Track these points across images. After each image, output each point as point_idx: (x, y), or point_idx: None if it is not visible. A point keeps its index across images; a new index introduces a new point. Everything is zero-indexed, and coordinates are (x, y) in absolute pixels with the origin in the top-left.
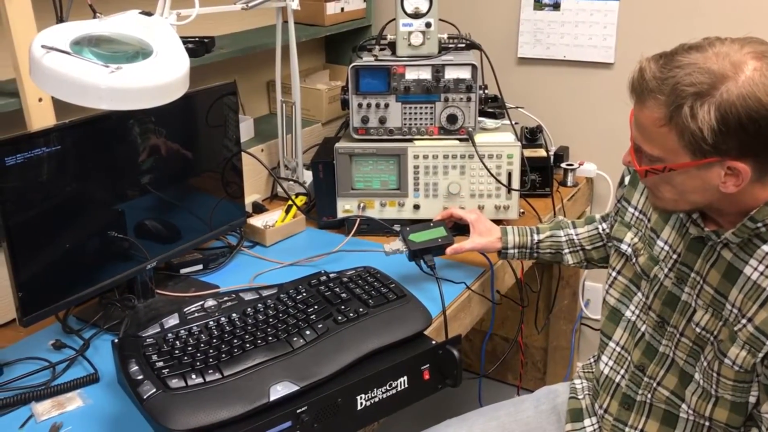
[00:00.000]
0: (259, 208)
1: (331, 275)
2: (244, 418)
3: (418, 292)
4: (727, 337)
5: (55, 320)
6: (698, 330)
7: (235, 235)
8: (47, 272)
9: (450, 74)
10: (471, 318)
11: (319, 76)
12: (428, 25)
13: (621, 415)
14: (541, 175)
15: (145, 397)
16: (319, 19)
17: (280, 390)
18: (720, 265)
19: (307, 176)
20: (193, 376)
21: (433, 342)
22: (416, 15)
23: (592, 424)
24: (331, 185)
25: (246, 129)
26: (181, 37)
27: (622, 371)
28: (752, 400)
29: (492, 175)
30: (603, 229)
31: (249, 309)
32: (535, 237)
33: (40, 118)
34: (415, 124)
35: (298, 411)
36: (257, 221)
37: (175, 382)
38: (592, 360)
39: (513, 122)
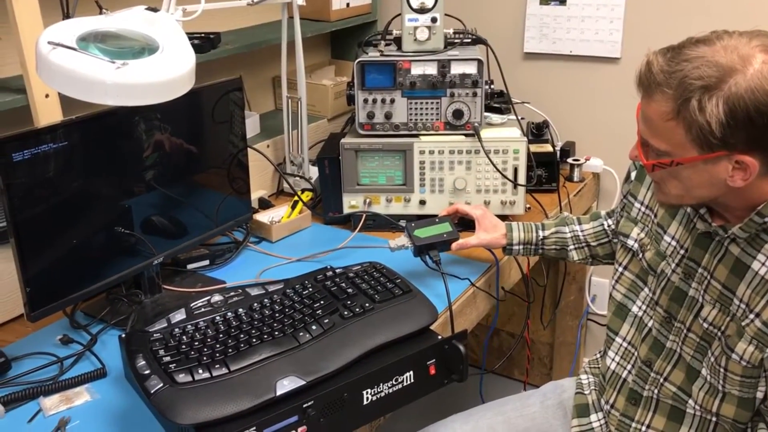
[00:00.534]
0: (265, 204)
1: (337, 270)
2: (251, 412)
3: (423, 288)
4: (735, 333)
5: (62, 315)
6: (705, 325)
7: (241, 230)
8: (55, 268)
9: (456, 69)
10: (477, 313)
11: (325, 71)
12: (434, 20)
13: (628, 410)
14: (548, 170)
15: (152, 391)
16: (325, 15)
17: (286, 384)
18: (727, 260)
19: (313, 172)
20: (200, 371)
21: (439, 337)
22: (422, 10)
23: (599, 420)
24: (337, 181)
25: (252, 125)
26: (186, 33)
27: (629, 366)
28: (759, 395)
29: (498, 170)
30: (608, 226)
31: (255, 304)
32: (540, 233)
33: (47, 114)
34: (421, 119)
35: (305, 405)
36: (263, 217)
37: (182, 377)
38: (598, 355)
39: (519, 117)
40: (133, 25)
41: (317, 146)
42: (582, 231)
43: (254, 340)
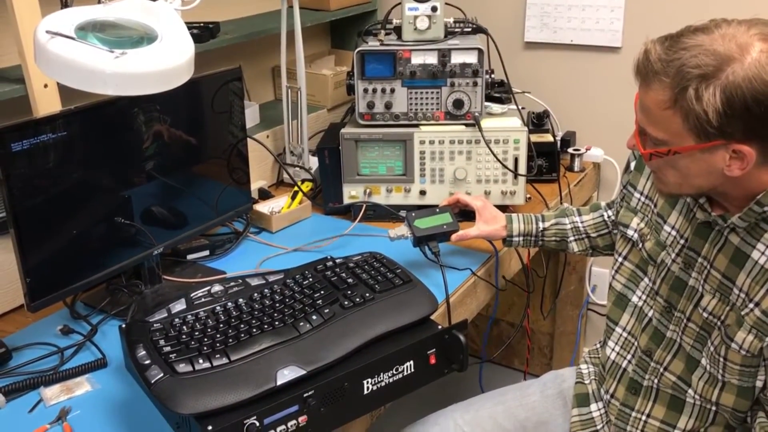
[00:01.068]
0: (265, 195)
1: (337, 261)
2: (251, 402)
3: (423, 278)
4: (734, 322)
5: (62, 306)
6: (705, 315)
7: (241, 221)
8: (55, 258)
9: (456, 59)
10: (477, 303)
11: (325, 61)
12: (434, 9)
13: (628, 400)
14: (548, 160)
15: (152, 381)
16: (324, 4)
17: (287, 374)
18: (727, 249)
19: (313, 162)
20: (201, 361)
21: (440, 327)
22: None
23: (599, 409)
24: (337, 171)
25: (251, 115)
26: (185, 23)
27: (629, 356)
28: (759, 384)
29: (498, 160)
30: (608, 217)
31: (256, 294)
32: (540, 225)
33: (46, 104)
34: (421, 109)
35: (305, 395)
36: (263, 207)
37: (182, 367)
38: (598, 345)
39: (519, 107)
40: (132, 14)
41: (317, 136)
42: (582, 222)
43: (254, 330)
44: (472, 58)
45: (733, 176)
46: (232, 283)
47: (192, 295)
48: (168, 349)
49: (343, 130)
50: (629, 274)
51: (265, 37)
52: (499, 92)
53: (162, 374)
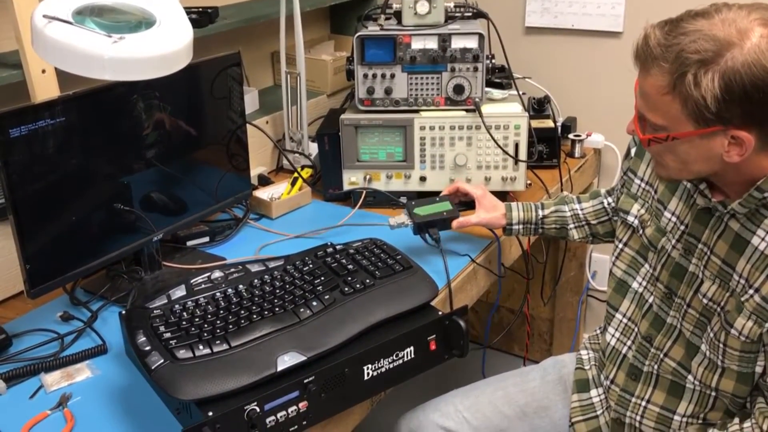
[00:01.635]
0: (264, 181)
1: (337, 247)
2: (252, 388)
3: (423, 264)
4: (734, 308)
5: (62, 292)
6: (705, 301)
7: (241, 207)
8: (54, 244)
9: (456, 44)
10: (477, 289)
11: (324, 46)
12: None
13: (628, 385)
14: (549, 146)
15: (153, 367)
16: None
17: (287, 360)
18: (727, 235)
19: (313, 148)
20: (201, 347)
21: (440, 313)
22: None
23: (599, 395)
24: (336, 157)
25: (250, 101)
26: (184, 7)
27: (629, 342)
28: (758, 370)
29: (499, 146)
30: (608, 204)
31: (256, 280)
32: (540, 212)
33: (44, 89)
34: (422, 94)
35: (306, 381)
36: (263, 194)
37: (182, 353)
38: (598, 331)
39: (520, 93)
40: None
41: (317, 122)
42: (582, 210)
43: (255, 316)
44: (472, 43)
45: (733, 162)
46: (232, 270)
47: (192, 281)
48: (168, 335)
49: (342, 116)
50: (630, 261)
51: (264, 22)
52: (500, 77)
53: (162, 360)
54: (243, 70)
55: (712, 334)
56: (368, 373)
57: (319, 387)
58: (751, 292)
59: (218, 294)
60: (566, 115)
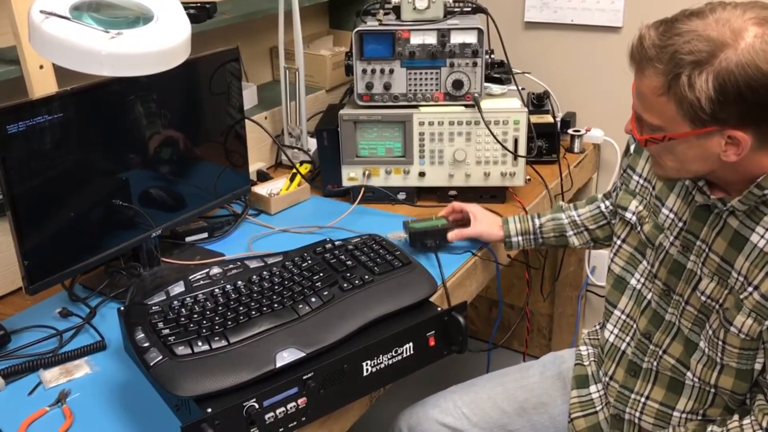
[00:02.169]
0: (263, 176)
1: (336, 243)
2: (251, 384)
3: (422, 261)
4: (733, 306)
5: (61, 288)
6: (703, 298)
7: (239, 203)
8: (53, 240)
9: (455, 39)
10: (476, 285)
11: (323, 41)
12: None
13: (627, 382)
14: (548, 141)
15: (151, 364)
16: None
17: (286, 357)
18: (726, 233)
19: (312, 144)
20: (200, 344)
21: (439, 309)
22: None
23: (598, 391)
24: (335, 153)
25: (249, 96)
26: (182, 2)
27: (628, 339)
28: (758, 367)
29: (498, 141)
30: (606, 207)
31: (254, 276)
32: (537, 221)
33: (42, 85)
34: (421, 90)
35: (305, 377)
36: (262, 189)
37: (181, 350)
38: (597, 327)
39: (519, 88)
40: None
41: (315, 118)
42: (579, 216)
43: (253, 312)
44: (471, 38)
45: (730, 161)
46: (231, 266)
47: (191, 277)
48: (167, 331)
49: (341, 112)
50: (628, 257)
51: (262, 17)
52: (499, 73)
53: (161, 357)
54: (241, 66)
55: (710, 332)
56: (367, 369)
57: (318, 383)
58: (750, 289)
59: (217, 290)
60: (565, 110)
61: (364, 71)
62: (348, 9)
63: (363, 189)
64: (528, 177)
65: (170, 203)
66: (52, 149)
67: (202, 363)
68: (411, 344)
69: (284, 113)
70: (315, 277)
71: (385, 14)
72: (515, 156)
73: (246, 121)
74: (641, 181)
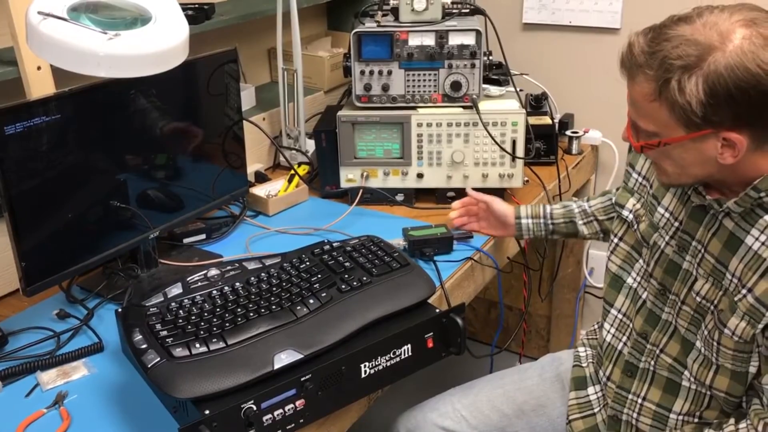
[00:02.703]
0: (261, 178)
1: (334, 244)
2: (249, 386)
3: (420, 263)
4: (727, 307)
5: (58, 290)
6: (698, 299)
7: (237, 204)
8: (50, 242)
9: (454, 40)
10: (475, 287)
11: (321, 43)
12: None
13: (624, 382)
14: (546, 142)
15: (149, 365)
16: None
17: (284, 358)
18: (721, 234)
19: (310, 145)
20: (197, 345)
21: (437, 310)
22: None
23: (596, 392)
24: (333, 154)
25: (247, 97)
26: (180, 4)
27: (624, 338)
28: (752, 370)
29: (496, 143)
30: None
31: (252, 278)
32: (548, 208)
33: (40, 86)
34: (419, 91)
35: (303, 379)
36: (260, 191)
37: (179, 351)
38: (596, 326)
39: (518, 89)
40: None
41: (314, 119)
42: (590, 206)
43: (251, 314)
44: (469, 40)
45: (728, 164)
46: (229, 267)
47: (188, 279)
48: (164, 333)
49: (339, 113)
50: (624, 256)
51: (261, 19)
52: (497, 74)
53: (158, 358)
54: (240, 67)
55: (706, 332)
56: (365, 371)
57: (316, 385)
58: (744, 292)
59: (215, 292)
60: (564, 111)
61: (363, 72)
62: (346, 10)
63: (361, 190)
64: (526, 178)
65: (168, 204)
66: (50, 150)
67: (199, 365)
68: (409, 346)
69: (282, 114)
70: (313, 279)
71: (384, 16)
72: (513, 157)
73: (244, 122)
74: (640, 179)
